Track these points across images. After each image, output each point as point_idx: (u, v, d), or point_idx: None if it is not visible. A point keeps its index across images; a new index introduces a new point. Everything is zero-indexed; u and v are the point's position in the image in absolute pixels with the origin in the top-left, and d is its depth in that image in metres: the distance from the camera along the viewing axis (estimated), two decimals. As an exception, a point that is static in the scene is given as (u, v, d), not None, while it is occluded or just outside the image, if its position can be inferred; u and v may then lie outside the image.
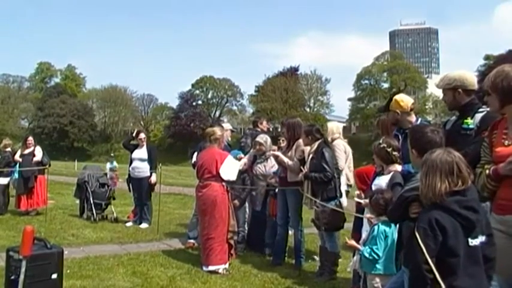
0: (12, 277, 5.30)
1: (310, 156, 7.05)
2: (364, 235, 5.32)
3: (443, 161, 3.20)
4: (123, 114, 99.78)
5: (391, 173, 5.07)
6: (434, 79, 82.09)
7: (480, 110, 4.47)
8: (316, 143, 7.05)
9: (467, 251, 3.11)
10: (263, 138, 8.37)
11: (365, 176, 6.17)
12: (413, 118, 5.57)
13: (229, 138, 9.13)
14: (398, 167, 5.08)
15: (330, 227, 6.80)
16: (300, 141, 7.47)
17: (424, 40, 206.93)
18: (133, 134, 11.73)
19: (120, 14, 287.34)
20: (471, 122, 4.43)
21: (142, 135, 11.58)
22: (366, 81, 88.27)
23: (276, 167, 8.18)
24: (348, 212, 6.87)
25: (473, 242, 3.15)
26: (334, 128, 8.35)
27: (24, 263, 3.82)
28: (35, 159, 12.47)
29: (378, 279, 4.76)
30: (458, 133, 4.41)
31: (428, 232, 3.09)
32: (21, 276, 3.81)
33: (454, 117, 4.74)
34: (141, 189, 11.27)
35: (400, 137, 5.47)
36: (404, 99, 5.58)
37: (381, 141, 5.27)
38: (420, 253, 3.07)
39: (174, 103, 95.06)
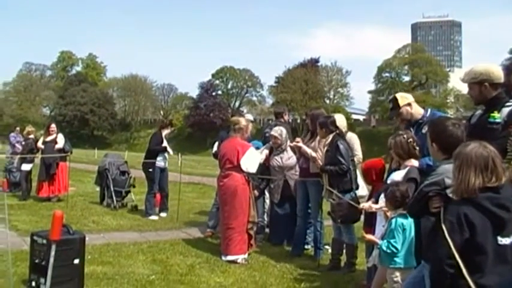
0: (37, 261, 5.41)
1: (325, 148, 7.01)
2: (378, 229, 5.30)
3: (478, 156, 3.13)
4: (143, 103, 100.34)
5: (407, 168, 5.03)
6: (456, 73, 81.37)
7: (507, 104, 4.40)
8: (331, 136, 6.99)
9: (496, 249, 3.06)
10: (278, 131, 8.31)
11: (373, 171, 6.12)
12: (421, 109, 5.67)
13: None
14: (415, 162, 5.04)
15: (345, 219, 6.76)
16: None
17: (447, 33, 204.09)
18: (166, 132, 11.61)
19: (141, 3, 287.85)
20: (498, 116, 4.35)
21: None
22: (387, 74, 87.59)
23: (293, 159, 8.17)
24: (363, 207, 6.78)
25: (503, 240, 3.08)
26: (342, 120, 8.02)
27: (53, 247, 3.87)
28: (57, 146, 12.61)
29: (397, 273, 4.70)
30: (484, 127, 4.34)
31: (455, 226, 3.04)
32: (51, 260, 3.87)
33: (479, 111, 4.66)
34: (166, 178, 11.37)
35: (411, 129, 5.48)
36: (405, 94, 5.92)
37: (404, 134, 5.21)
38: (444, 247, 3.03)
39: (194, 93, 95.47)
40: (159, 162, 11.08)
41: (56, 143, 12.67)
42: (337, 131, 7.04)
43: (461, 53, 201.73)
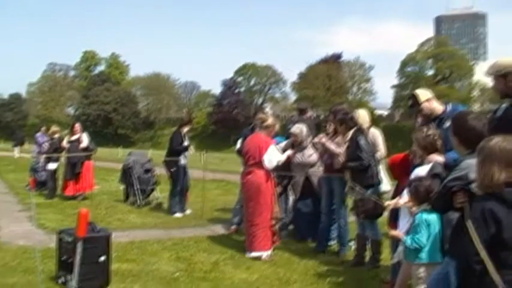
0: (64, 258, 5.50)
1: (346, 145, 6.98)
2: (402, 224, 5.27)
3: (502, 150, 3.08)
4: (166, 102, 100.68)
5: (431, 163, 4.99)
6: (481, 66, 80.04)
7: None
8: (351, 132, 6.97)
9: None
10: (298, 129, 8.30)
11: (398, 166, 6.08)
12: (440, 104, 5.67)
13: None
14: (438, 158, 5.01)
15: (368, 215, 6.76)
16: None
17: (472, 25, 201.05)
18: (186, 130, 11.49)
19: (164, 1, 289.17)
20: None
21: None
22: (410, 68, 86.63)
23: (314, 156, 8.13)
24: (385, 203, 6.69)
25: None
26: (365, 115, 7.93)
27: (80, 244, 3.94)
28: (81, 145, 12.74)
29: (422, 269, 4.67)
30: (510, 120, 4.29)
31: (481, 222, 3.00)
32: (78, 257, 3.94)
33: (505, 105, 4.62)
34: (187, 176, 11.33)
35: (432, 125, 5.49)
36: (423, 89, 5.91)
37: (427, 129, 5.21)
38: (470, 243, 2.99)
39: (217, 90, 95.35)
40: (182, 160, 11.06)
41: (80, 142, 12.80)
42: (357, 127, 7.00)
43: (486, 45, 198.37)
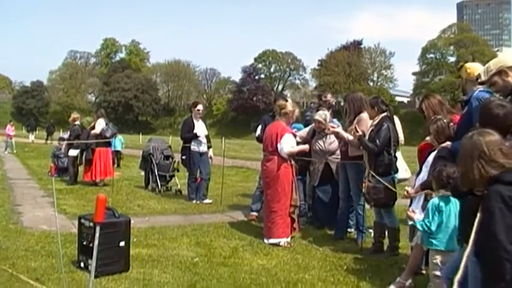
0: (84, 243, 5.60)
1: (371, 128, 6.91)
2: (413, 206, 5.37)
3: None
4: (186, 88, 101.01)
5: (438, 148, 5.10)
6: (505, 52, 78.82)
7: None
8: (379, 117, 6.86)
9: None
10: (322, 116, 8.23)
11: (426, 153, 6.06)
12: (475, 87, 5.35)
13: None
14: (448, 144, 5.10)
15: (377, 203, 6.76)
16: (362, 115, 7.36)
17: (495, 11, 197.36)
18: (194, 114, 11.16)
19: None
20: None
21: (200, 107, 11.38)
22: (432, 55, 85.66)
23: (335, 144, 8.10)
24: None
25: None
26: None
27: (98, 229, 4.00)
28: (92, 131, 12.79)
29: (437, 256, 4.68)
30: None
31: (505, 211, 2.95)
32: (96, 242, 4.00)
33: None
34: (206, 163, 11.09)
35: (460, 106, 5.47)
36: (472, 67, 5.54)
37: (444, 119, 5.21)
38: (496, 233, 2.93)
39: (237, 77, 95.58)
40: (194, 147, 10.82)
41: (92, 128, 12.87)
42: (387, 113, 6.91)
43: (510, 31, 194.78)
